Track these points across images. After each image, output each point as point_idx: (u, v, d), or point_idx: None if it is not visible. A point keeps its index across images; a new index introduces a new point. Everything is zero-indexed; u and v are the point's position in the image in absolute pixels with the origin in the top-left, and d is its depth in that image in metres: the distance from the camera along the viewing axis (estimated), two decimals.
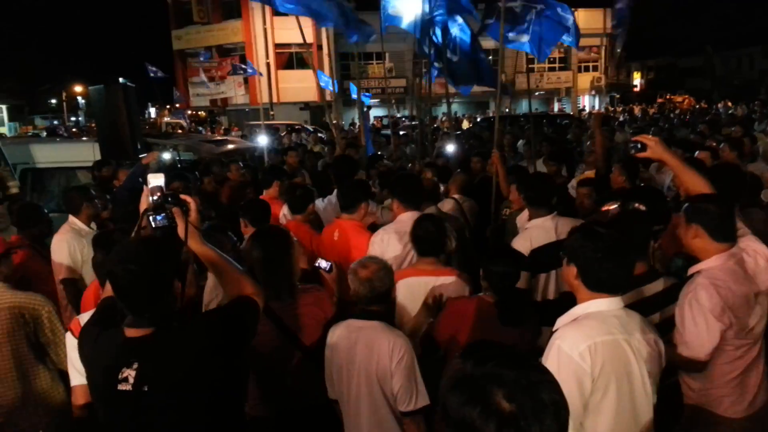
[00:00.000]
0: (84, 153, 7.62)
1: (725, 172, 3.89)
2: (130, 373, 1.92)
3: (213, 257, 2.25)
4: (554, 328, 2.22)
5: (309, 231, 4.48)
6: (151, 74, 24.85)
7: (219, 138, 13.86)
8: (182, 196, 2.25)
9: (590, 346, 2.05)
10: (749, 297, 2.59)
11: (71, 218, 4.71)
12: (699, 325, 2.53)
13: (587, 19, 36.15)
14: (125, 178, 5.86)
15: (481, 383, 1.20)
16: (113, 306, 2.09)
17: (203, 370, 1.98)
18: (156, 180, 2.21)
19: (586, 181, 4.97)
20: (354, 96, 16.36)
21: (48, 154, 7.89)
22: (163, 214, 2.14)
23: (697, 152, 5.86)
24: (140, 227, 2.17)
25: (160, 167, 6.78)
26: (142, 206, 2.19)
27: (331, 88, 14.68)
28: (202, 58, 31.89)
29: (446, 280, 3.40)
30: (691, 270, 2.69)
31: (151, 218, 2.14)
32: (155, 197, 2.18)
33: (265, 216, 4.37)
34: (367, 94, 15.39)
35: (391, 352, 2.65)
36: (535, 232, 3.76)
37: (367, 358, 2.70)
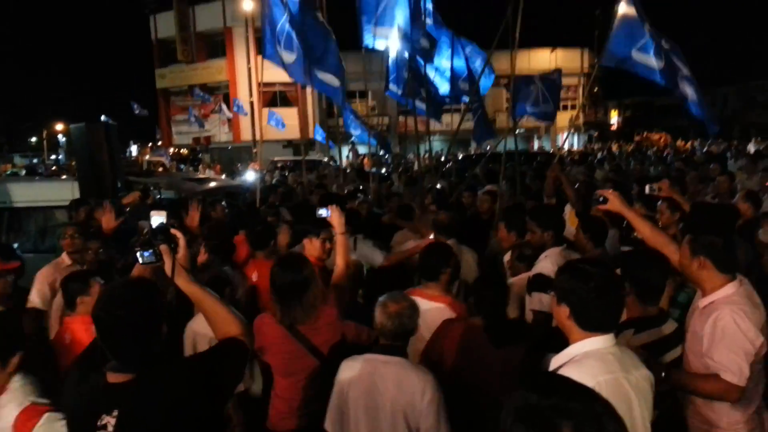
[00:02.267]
0: (62, 192, 7.47)
1: (706, 210, 3.98)
2: (109, 421, 1.87)
3: (200, 296, 2.21)
4: (551, 369, 2.17)
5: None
6: (136, 111, 24.87)
7: (200, 176, 13.80)
8: (172, 231, 2.23)
9: (594, 386, 1.99)
10: (763, 323, 2.66)
11: (63, 254, 4.81)
12: (737, 352, 2.57)
13: (565, 58, 37.05)
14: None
15: (548, 415, 1.21)
16: (97, 350, 2.04)
17: (184, 420, 1.93)
18: (156, 216, 2.20)
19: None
20: (317, 137, 16.84)
21: (25, 194, 7.73)
22: (150, 251, 2.13)
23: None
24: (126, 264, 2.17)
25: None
26: None
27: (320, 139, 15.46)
28: (196, 96, 31.80)
29: (435, 306, 3.52)
30: (704, 302, 2.75)
31: (138, 254, 2.13)
32: (144, 233, 2.19)
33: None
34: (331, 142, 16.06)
35: (423, 391, 2.67)
36: (557, 258, 3.94)
37: (396, 395, 2.69)
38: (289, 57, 6.70)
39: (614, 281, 2.20)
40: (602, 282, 2.14)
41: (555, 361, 2.20)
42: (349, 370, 2.82)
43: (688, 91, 5.83)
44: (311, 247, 4.18)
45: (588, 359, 2.11)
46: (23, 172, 29.26)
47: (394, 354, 2.80)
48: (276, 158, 25.56)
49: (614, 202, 3.28)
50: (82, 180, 7.16)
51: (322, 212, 3.84)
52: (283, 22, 6.51)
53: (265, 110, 19.78)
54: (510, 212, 5.19)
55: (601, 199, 3.33)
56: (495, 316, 3.14)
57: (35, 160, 44.44)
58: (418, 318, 2.91)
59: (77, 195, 7.07)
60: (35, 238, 7.45)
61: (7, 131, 50.45)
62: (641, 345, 2.72)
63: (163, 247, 2.14)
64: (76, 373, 2.09)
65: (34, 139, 54.09)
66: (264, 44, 6.59)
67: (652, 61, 5.58)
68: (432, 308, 3.51)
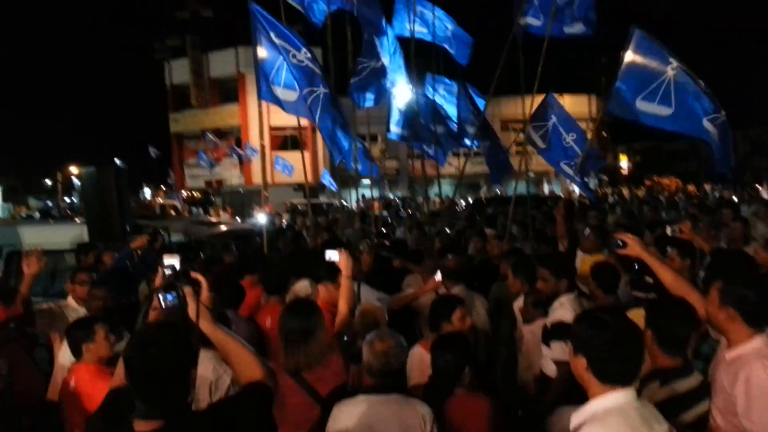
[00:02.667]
0: (73, 235, 7.51)
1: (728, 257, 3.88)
2: None
3: (224, 340, 2.18)
4: (572, 428, 2.09)
5: None
6: (153, 155, 25.33)
7: (211, 220, 13.86)
8: (193, 275, 2.21)
9: None
10: None
11: (68, 297, 4.81)
12: None
13: (573, 104, 37.30)
14: (113, 261, 5.75)
15: None
16: (120, 398, 2.01)
17: None
18: (170, 260, 2.17)
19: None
20: (323, 181, 17.07)
21: (36, 237, 7.77)
22: (173, 294, 2.10)
23: None
24: (149, 307, 2.15)
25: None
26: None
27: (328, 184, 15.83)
28: (208, 141, 32.23)
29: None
30: (730, 354, 2.63)
31: (161, 298, 2.10)
32: (167, 276, 2.15)
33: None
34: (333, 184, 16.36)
35: (423, 423, 2.69)
36: (573, 306, 3.91)
37: (398, 431, 2.69)
38: (290, 95, 6.55)
39: (631, 331, 2.13)
40: (619, 331, 2.08)
41: (575, 418, 2.12)
42: (345, 415, 2.78)
43: (709, 131, 5.74)
44: (326, 292, 4.13)
45: (610, 416, 2.03)
46: (37, 214, 29.54)
47: (388, 392, 2.78)
48: (294, 200, 25.79)
49: (634, 246, 3.18)
50: (91, 224, 7.19)
51: (331, 255, 3.84)
52: (281, 62, 6.38)
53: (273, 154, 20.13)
54: (514, 259, 5.10)
55: (621, 243, 3.24)
56: (443, 377, 3.01)
57: (49, 203, 44.83)
58: (405, 357, 2.93)
59: (87, 239, 7.09)
60: (45, 281, 7.42)
61: (23, 173, 51.22)
62: (668, 397, 2.62)
63: (188, 290, 2.12)
64: (98, 425, 2.02)
65: (49, 181, 54.77)
66: (258, 85, 6.50)
67: (658, 108, 5.54)
68: (422, 357, 3.49)
